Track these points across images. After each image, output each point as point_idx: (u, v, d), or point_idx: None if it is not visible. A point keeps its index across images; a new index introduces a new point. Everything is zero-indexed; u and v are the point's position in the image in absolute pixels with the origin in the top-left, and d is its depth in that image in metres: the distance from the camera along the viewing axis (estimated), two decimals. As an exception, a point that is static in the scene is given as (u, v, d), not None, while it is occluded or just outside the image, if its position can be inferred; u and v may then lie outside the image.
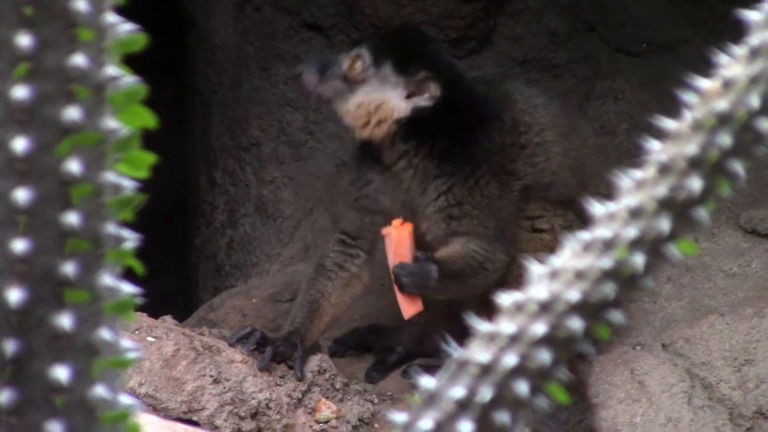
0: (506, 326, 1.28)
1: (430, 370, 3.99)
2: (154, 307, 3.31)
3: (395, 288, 4.13)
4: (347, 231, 4.38)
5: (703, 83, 1.26)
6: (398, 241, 4.18)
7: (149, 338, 3.96)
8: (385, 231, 4.21)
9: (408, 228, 4.20)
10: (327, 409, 4.08)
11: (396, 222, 4.21)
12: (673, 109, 1.32)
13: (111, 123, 1.22)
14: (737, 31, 1.33)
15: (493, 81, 4.39)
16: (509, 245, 4.24)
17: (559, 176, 4.30)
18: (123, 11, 1.24)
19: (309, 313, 4.27)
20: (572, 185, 4.29)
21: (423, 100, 4.17)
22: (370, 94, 4.20)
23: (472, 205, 4.21)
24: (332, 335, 4.71)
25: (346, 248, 4.38)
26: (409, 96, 4.17)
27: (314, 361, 4.13)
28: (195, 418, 3.90)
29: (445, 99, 4.17)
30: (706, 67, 1.30)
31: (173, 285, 6.08)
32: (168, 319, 4.23)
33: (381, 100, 4.19)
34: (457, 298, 4.29)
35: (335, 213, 4.57)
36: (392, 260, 4.15)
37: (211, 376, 3.94)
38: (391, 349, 4.58)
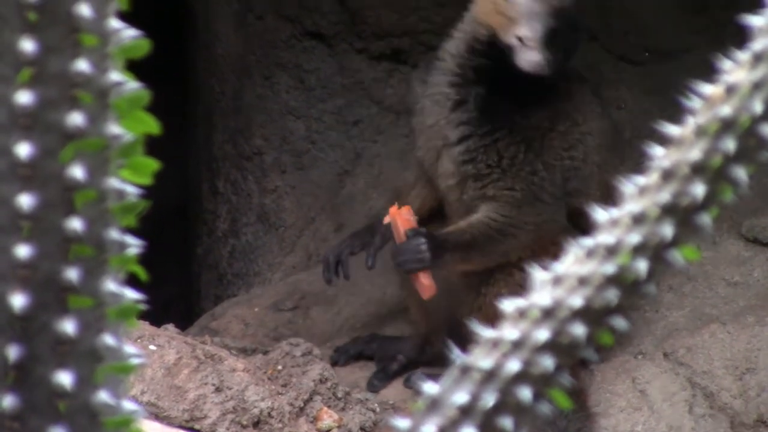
0: (509, 332, 1.28)
1: (433, 378, 3.99)
2: (155, 314, 3.31)
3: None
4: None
5: (706, 89, 1.26)
6: (397, 224, 4.19)
7: (151, 347, 3.96)
8: (385, 219, 4.24)
9: (405, 210, 4.21)
10: (329, 418, 4.07)
11: (393, 208, 4.22)
12: (676, 117, 1.32)
13: (114, 129, 1.22)
14: (739, 39, 1.33)
15: (564, 78, 4.36)
16: (551, 208, 4.21)
17: (589, 186, 4.28)
18: (126, 17, 1.24)
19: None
20: (594, 199, 4.17)
21: (511, 52, 4.10)
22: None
23: (486, 164, 4.20)
24: (334, 344, 4.71)
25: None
26: (517, 37, 4.09)
27: (316, 370, 4.13)
28: (197, 427, 3.90)
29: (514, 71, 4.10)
30: (708, 76, 1.30)
31: (175, 293, 6.08)
32: (170, 328, 4.24)
33: (506, 9, 4.11)
34: (458, 302, 4.30)
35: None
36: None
37: (213, 385, 3.94)
38: (392, 357, 4.57)
